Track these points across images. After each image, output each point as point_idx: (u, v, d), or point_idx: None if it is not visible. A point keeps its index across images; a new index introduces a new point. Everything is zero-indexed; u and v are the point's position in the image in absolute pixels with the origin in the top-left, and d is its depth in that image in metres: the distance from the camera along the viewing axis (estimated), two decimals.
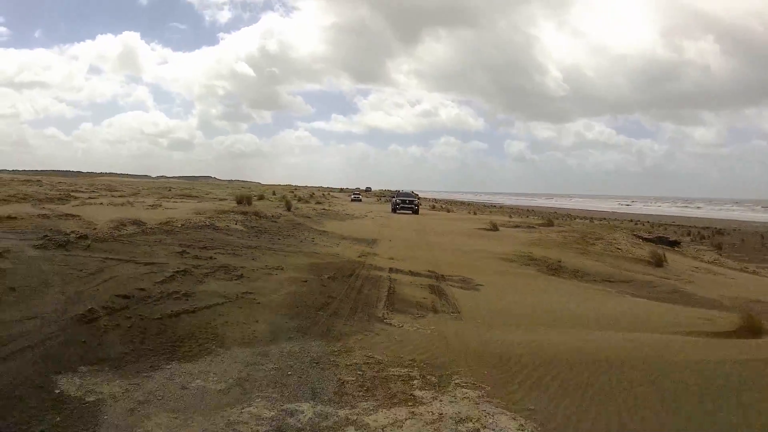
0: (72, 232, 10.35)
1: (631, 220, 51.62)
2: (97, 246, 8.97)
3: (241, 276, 6.92)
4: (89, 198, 22.45)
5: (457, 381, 3.40)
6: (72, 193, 24.23)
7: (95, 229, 10.98)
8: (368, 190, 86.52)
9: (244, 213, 14.91)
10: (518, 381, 3.42)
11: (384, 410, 2.94)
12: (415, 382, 3.39)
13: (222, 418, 2.81)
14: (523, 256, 10.33)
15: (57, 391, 3.26)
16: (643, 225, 45.04)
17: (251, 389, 3.21)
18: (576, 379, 3.45)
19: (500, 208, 53.28)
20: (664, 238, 21.87)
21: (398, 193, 32.25)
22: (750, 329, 4.88)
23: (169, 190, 38.15)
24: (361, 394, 3.18)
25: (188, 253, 8.68)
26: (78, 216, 13.60)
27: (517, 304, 6.11)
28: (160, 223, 11.94)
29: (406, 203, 28.29)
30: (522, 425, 2.77)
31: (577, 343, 4.32)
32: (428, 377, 3.47)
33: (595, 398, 3.18)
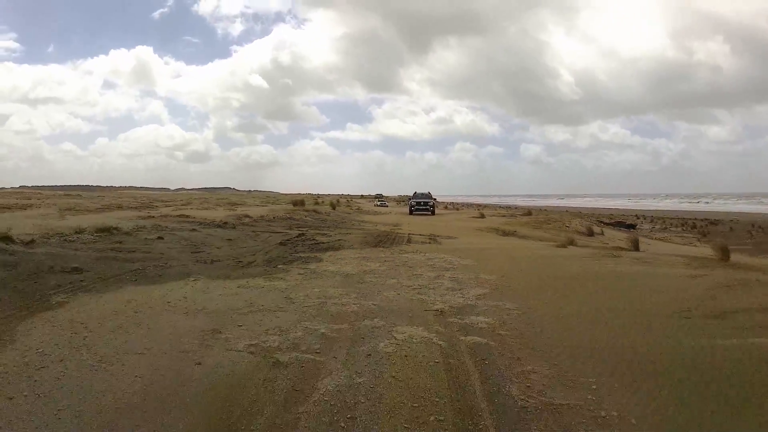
0: (213, 220, 16.92)
1: (636, 215, 56.47)
2: (239, 228, 15.53)
3: (331, 236, 13.35)
4: (166, 206, 29.21)
5: (434, 253, 9.76)
6: (151, 204, 31.14)
7: (223, 221, 17.48)
8: (378, 197, 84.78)
9: (306, 210, 21.49)
10: (462, 253, 9.74)
11: (405, 254, 9.33)
12: (419, 254, 9.75)
13: (361, 252, 9.22)
14: (492, 228, 16.58)
15: (297, 255, 9.67)
16: (644, 218, 50.05)
17: (363, 252, 9.61)
18: (481, 252, 9.76)
19: (506, 207, 58.83)
20: (622, 222, 27.70)
21: (414, 195, 31.57)
22: (564, 245, 11.08)
23: (206, 200, 44.90)
24: (399, 252, 9.57)
25: (294, 228, 15.18)
26: (191, 216, 19.96)
27: (471, 242, 12.41)
28: (260, 217, 18.51)
29: (421, 205, 28.51)
30: (458, 258, 9.11)
31: (490, 246, 10.63)
32: (422, 254, 9.83)
33: (489, 256, 9.47)
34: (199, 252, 9.86)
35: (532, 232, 17.08)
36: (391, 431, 2.68)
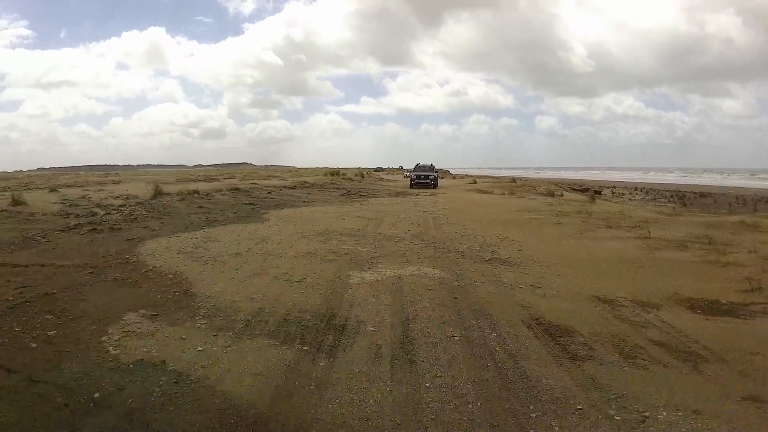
0: (284, 186, 24.64)
1: (635, 187, 62.26)
2: (306, 189, 23.23)
3: (369, 192, 20.91)
4: (225, 179, 36.87)
5: (431, 198, 17.30)
6: (212, 178, 38.87)
7: (292, 185, 25.15)
8: (380, 170, 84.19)
9: (343, 179, 29.07)
10: (447, 198, 17.25)
11: (414, 198, 16.89)
12: (422, 198, 17.29)
13: (390, 198, 16.82)
14: (476, 189, 23.98)
15: (354, 198, 17.27)
16: (640, 190, 56.32)
17: (391, 198, 17.20)
18: (457, 198, 17.22)
19: (507, 177, 65.38)
20: (589, 188, 34.54)
21: (416, 167, 29.20)
22: (504, 194, 18.48)
23: (248, 174, 52.56)
24: (410, 198, 17.16)
25: (341, 189, 22.81)
26: (262, 184, 27.50)
27: (456, 195, 19.88)
28: (313, 183, 26.15)
29: (421, 178, 26.32)
30: (442, 200, 16.61)
31: (466, 197, 18.08)
32: (423, 198, 17.37)
33: (459, 199, 16.92)
34: (299, 198, 17.52)
35: (504, 191, 24.39)
36: (402, 218, 10.18)
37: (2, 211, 10.96)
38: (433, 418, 2.70)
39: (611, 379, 3.19)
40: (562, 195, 26.62)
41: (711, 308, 4.86)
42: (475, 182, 29.29)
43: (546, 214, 11.90)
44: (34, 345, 3.66)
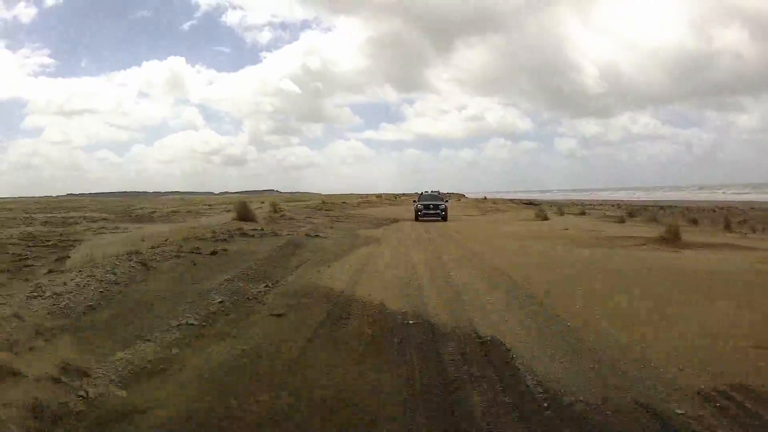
0: (363, 202, 48.93)
1: (613, 204, 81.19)
2: (373, 203, 47.30)
3: (403, 204, 44.55)
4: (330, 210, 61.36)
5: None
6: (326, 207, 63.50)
7: (366, 202, 49.38)
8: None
9: (385, 200, 52.80)
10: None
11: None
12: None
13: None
14: (458, 201, 47.57)
15: (396, 205, 40.99)
16: (613, 206, 77.29)
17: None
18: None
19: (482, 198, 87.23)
20: (532, 202, 57.23)
21: (421, 196, 28.21)
22: (460, 202, 42.05)
23: (324, 204, 77.38)
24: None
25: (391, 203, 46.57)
26: (346, 203, 51.79)
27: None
28: (374, 201, 50.00)
29: (430, 209, 25.19)
30: None
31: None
32: None
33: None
34: (376, 206, 41.32)
35: (472, 202, 47.78)
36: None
37: (271, 214, 34.96)
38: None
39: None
40: (495, 203, 49.68)
41: (467, 217, 28.26)
42: (460, 199, 52.85)
43: (463, 207, 35.09)
44: (367, 219, 27.53)
